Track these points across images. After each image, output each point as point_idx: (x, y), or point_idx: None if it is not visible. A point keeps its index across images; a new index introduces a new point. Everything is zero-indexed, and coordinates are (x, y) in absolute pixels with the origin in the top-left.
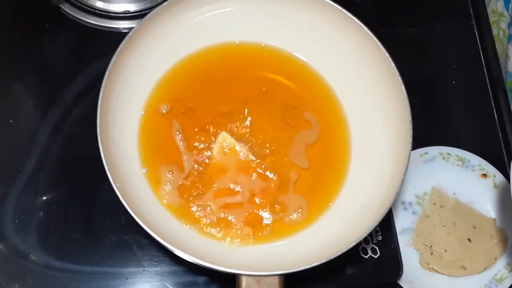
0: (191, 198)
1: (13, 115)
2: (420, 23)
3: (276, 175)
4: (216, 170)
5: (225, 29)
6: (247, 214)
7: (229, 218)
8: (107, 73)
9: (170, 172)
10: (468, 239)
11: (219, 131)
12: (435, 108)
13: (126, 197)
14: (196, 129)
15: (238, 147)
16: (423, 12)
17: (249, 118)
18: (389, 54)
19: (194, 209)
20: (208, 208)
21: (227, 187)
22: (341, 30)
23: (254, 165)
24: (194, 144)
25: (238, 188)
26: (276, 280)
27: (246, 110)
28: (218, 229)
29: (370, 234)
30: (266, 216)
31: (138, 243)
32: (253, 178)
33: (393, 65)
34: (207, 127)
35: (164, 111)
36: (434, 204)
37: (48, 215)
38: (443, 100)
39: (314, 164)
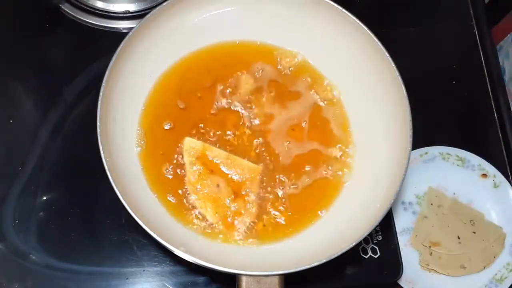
0: (189, 198)
1: (13, 115)
2: (420, 23)
3: (260, 172)
4: (196, 174)
5: (225, 29)
6: (235, 209)
7: (228, 219)
8: (107, 73)
9: (169, 171)
10: (467, 238)
11: (213, 130)
12: (435, 108)
13: (126, 197)
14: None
15: (208, 148)
16: (423, 12)
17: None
18: (389, 54)
19: (192, 208)
20: (207, 208)
21: (212, 187)
22: (341, 30)
23: (236, 163)
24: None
25: (224, 188)
26: (276, 280)
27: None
28: (217, 229)
29: (370, 234)
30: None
31: (138, 243)
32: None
33: (393, 65)
34: (206, 128)
35: (167, 127)
36: (432, 204)
37: (48, 215)
38: (443, 100)
39: (314, 164)
